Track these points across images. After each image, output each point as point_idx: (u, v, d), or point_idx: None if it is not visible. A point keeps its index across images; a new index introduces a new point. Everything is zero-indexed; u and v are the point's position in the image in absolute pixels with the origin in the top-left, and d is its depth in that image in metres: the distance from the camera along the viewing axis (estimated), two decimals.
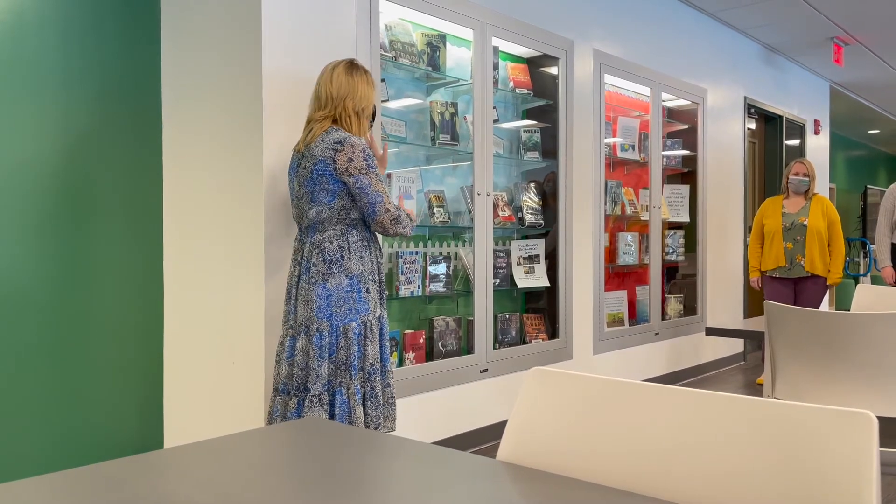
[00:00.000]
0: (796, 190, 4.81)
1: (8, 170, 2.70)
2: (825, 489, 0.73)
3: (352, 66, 2.46)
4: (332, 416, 2.31)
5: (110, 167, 3.00)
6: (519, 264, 4.08)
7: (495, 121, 3.97)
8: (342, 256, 2.36)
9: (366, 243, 2.42)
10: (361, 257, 2.39)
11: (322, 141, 2.35)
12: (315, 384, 2.29)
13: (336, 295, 2.33)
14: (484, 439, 3.74)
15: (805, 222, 4.74)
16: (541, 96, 4.27)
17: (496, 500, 0.78)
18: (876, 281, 10.75)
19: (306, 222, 2.41)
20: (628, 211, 4.99)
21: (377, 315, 2.43)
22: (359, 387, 2.34)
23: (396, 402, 2.47)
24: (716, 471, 0.81)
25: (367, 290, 2.39)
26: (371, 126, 2.54)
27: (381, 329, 2.44)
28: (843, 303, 9.37)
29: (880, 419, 1.99)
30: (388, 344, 2.48)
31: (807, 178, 4.78)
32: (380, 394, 2.38)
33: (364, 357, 2.37)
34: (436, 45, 3.64)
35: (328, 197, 2.35)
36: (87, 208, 2.93)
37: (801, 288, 4.83)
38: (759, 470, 0.77)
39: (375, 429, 2.34)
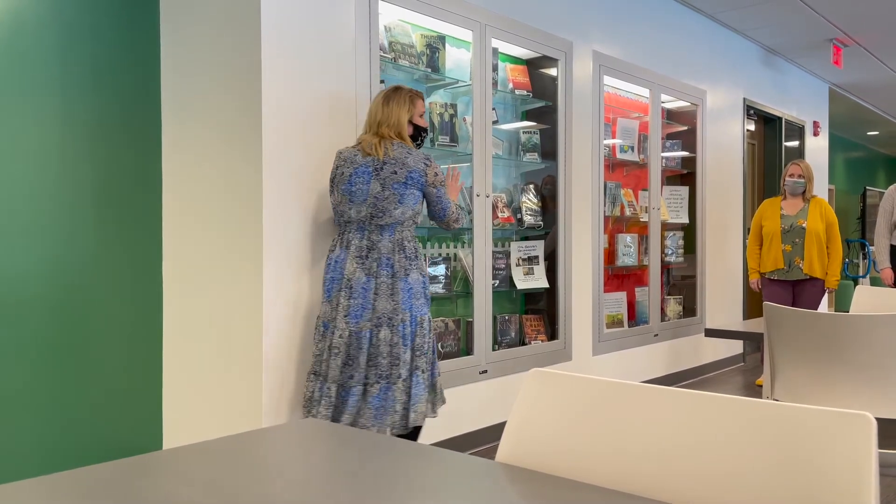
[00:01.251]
0: (792, 191, 4.81)
1: (7, 170, 2.70)
2: (824, 490, 0.73)
3: (388, 93, 2.77)
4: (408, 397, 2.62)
5: (109, 167, 3.00)
6: (518, 265, 4.08)
7: (495, 122, 3.97)
8: (417, 255, 2.71)
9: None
10: (423, 259, 2.78)
11: (409, 154, 2.68)
12: (402, 370, 2.58)
13: (415, 289, 2.65)
14: (483, 440, 3.74)
15: (804, 225, 4.74)
16: (540, 98, 4.27)
17: (495, 501, 0.78)
18: (875, 282, 10.76)
19: (385, 221, 2.64)
20: (627, 212, 5.00)
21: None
22: (429, 373, 2.68)
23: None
24: (714, 472, 0.81)
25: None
26: (420, 143, 2.86)
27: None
28: (842, 304, 9.37)
29: (879, 420, 1.99)
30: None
31: (802, 180, 4.78)
32: (437, 380, 2.73)
33: (433, 346, 2.72)
34: (435, 46, 3.64)
35: (413, 200, 2.69)
36: (86, 208, 2.93)
37: (799, 290, 4.83)
38: (758, 471, 0.77)
39: (433, 409, 2.68)
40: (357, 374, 2.56)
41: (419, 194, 2.71)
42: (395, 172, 2.65)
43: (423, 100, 2.87)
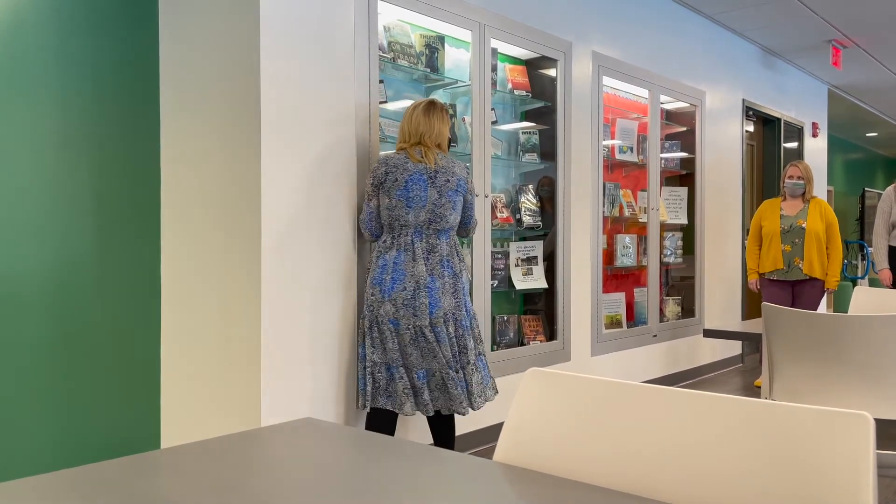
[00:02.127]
0: (792, 193, 4.81)
1: (6, 170, 2.70)
2: (822, 490, 0.73)
3: (429, 107, 2.95)
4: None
5: (108, 168, 3.00)
6: (517, 266, 4.08)
7: (494, 122, 3.97)
8: (464, 257, 3.00)
9: None
10: None
11: (454, 164, 2.94)
12: (471, 356, 2.91)
13: (467, 287, 2.98)
14: (482, 440, 3.74)
15: (804, 225, 4.74)
16: (539, 98, 4.27)
17: (492, 501, 0.78)
18: (874, 283, 10.77)
19: (443, 225, 2.90)
20: (626, 213, 5.00)
21: None
22: (483, 358, 3.00)
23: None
24: (712, 472, 0.81)
25: None
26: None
27: None
28: (840, 305, 9.38)
29: (878, 421, 1.99)
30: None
31: (801, 181, 4.78)
32: (487, 364, 3.06)
33: (481, 336, 3.03)
34: (434, 46, 3.64)
35: (461, 206, 2.98)
36: (85, 209, 2.92)
37: (798, 290, 4.83)
38: (757, 471, 0.77)
39: (487, 388, 2.98)
40: (436, 363, 2.84)
41: (460, 201, 2.97)
42: (448, 181, 2.90)
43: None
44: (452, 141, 3.09)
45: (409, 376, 2.87)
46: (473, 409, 2.90)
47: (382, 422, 2.89)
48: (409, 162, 2.86)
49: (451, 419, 2.97)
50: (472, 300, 3.01)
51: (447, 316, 2.86)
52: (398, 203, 2.84)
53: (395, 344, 2.85)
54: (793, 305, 4.87)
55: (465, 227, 3.07)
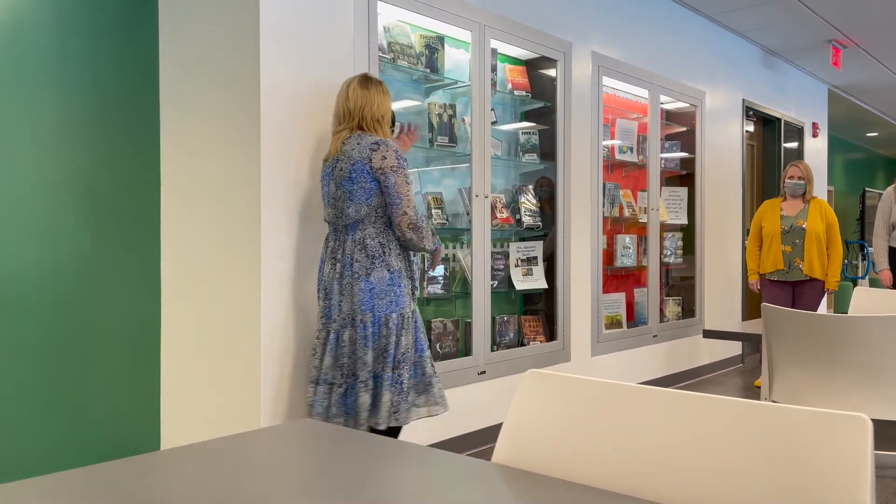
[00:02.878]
0: (792, 193, 4.81)
1: (5, 171, 2.70)
2: (821, 492, 0.73)
3: (365, 79, 2.65)
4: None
5: (108, 168, 3.00)
6: (517, 266, 4.08)
7: (493, 123, 3.97)
8: (383, 252, 2.53)
9: (400, 241, 2.61)
10: (399, 254, 2.58)
11: (358, 144, 2.53)
12: (363, 371, 2.48)
13: (378, 288, 2.50)
14: (482, 441, 3.74)
15: (804, 225, 4.74)
16: (539, 98, 4.27)
17: (491, 502, 0.78)
18: (874, 284, 10.76)
19: (345, 221, 2.55)
20: (626, 213, 5.00)
21: (412, 308, 2.61)
22: (391, 374, 2.51)
23: (432, 389, 2.65)
24: (710, 473, 0.81)
25: (404, 286, 2.58)
26: (393, 132, 2.72)
27: (415, 322, 2.62)
28: (840, 306, 9.38)
29: (878, 422, 1.99)
30: (423, 335, 2.64)
31: (802, 181, 4.78)
32: (405, 381, 2.53)
33: (398, 347, 2.53)
34: (434, 46, 3.64)
35: (365, 195, 2.51)
36: (85, 210, 2.93)
37: (799, 291, 4.83)
38: (754, 472, 0.78)
39: (394, 413, 2.50)
40: (328, 373, 2.54)
41: (372, 186, 2.51)
42: (342, 169, 2.54)
43: None
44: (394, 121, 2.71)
45: (309, 387, 2.60)
46: (380, 426, 2.49)
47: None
48: (329, 155, 2.64)
49: (391, 434, 2.59)
50: (398, 303, 2.52)
51: (345, 322, 2.52)
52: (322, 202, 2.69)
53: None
54: (793, 306, 4.87)
55: (392, 220, 2.53)
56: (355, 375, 2.51)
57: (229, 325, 2.89)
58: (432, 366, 2.66)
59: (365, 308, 2.49)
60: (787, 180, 4.83)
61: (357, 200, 2.52)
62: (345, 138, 2.58)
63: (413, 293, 2.65)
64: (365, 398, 2.48)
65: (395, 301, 2.53)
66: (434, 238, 2.64)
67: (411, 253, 2.66)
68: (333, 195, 2.58)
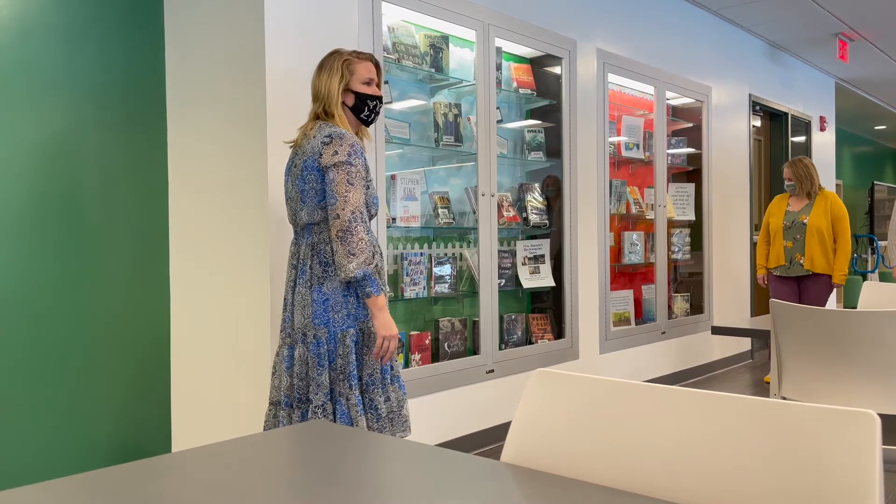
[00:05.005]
0: (789, 192, 4.85)
1: (15, 175, 2.72)
2: (829, 488, 0.73)
3: (321, 61, 2.32)
4: None
5: (116, 171, 3.02)
6: (524, 264, 4.08)
7: (499, 121, 3.97)
8: (330, 261, 2.21)
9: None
10: None
11: (315, 137, 2.22)
12: (317, 394, 2.16)
13: (333, 300, 2.18)
14: (491, 440, 3.74)
15: (805, 220, 4.73)
16: (544, 96, 4.27)
17: (500, 502, 0.78)
18: (884, 278, 10.71)
19: (299, 223, 2.26)
20: (633, 210, 4.99)
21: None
22: (359, 397, 2.19)
23: (406, 409, 2.34)
24: (718, 471, 0.81)
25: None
26: (368, 120, 2.35)
27: None
28: (850, 300, 9.33)
29: (886, 416, 1.99)
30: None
31: (791, 182, 4.79)
32: (381, 406, 2.22)
33: (362, 366, 2.23)
34: (438, 46, 3.64)
35: (317, 197, 2.19)
36: (94, 213, 2.94)
37: (804, 286, 4.82)
38: (763, 469, 0.78)
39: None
40: (288, 395, 2.23)
41: (324, 187, 2.19)
42: (296, 165, 2.25)
43: (372, 62, 2.33)
44: (371, 101, 2.32)
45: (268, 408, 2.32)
46: None
47: None
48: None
49: None
50: (356, 316, 2.21)
51: (296, 337, 2.22)
52: None
53: None
54: (800, 301, 4.85)
55: (330, 220, 2.14)
56: (309, 399, 2.18)
57: (239, 326, 2.91)
58: (399, 391, 2.31)
59: (318, 322, 2.17)
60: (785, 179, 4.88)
61: (309, 203, 2.20)
62: (308, 129, 2.26)
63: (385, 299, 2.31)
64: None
65: (353, 314, 2.20)
66: (368, 266, 2.13)
67: (377, 258, 2.26)
68: (289, 194, 2.28)
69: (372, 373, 2.23)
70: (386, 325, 2.17)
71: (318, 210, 2.20)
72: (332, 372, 2.19)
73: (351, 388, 2.17)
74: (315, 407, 2.15)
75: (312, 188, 2.20)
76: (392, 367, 2.31)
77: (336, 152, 2.15)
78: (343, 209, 2.12)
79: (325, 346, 2.17)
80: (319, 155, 2.18)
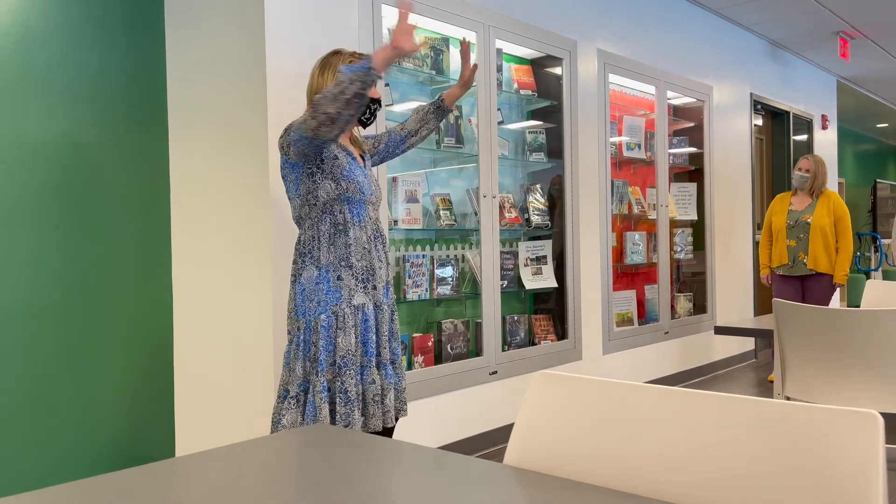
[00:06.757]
0: (798, 185, 4.79)
1: (17, 175, 2.72)
2: (832, 488, 0.73)
3: (322, 59, 2.30)
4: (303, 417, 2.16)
5: (118, 171, 3.02)
6: (526, 265, 4.08)
7: (500, 122, 3.97)
8: (313, 247, 2.19)
9: (340, 228, 2.20)
10: (333, 244, 2.19)
11: None
12: (292, 385, 2.14)
13: (308, 289, 2.17)
14: (494, 441, 3.74)
15: (808, 220, 4.72)
16: (545, 97, 4.27)
17: None
18: (887, 276, 10.69)
19: (292, 217, 2.30)
20: (635, 210, 4.98)
21: (356, 303, 2.19)
22: (325, 383, 2.12)
23: (388, 400, 2.26)
24: (720, 472, 0.81)
25: (339, 278, 2.17)
26: (367, 122, 2.33)
27: (363, 319, 2.20)
28: (853, 299, 9.32)
29: (889, 416, 1.98)
30: (372, 337, 2.22)
31: (808, 174, 4.75)
32: (351, 389, 2.13)
33: (335, 350, 2.15)
34: (439, 48, 3.64)
35: (294, 186, 2.21)
36: (96, 213, 2.95)
37: (807, 286, 4.81)
38: (766, 470, 0.78)
39: (346, 426, 2.10)
40: (281, 388, 2.24)
41: (295, 175, 2.19)
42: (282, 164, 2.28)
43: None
44: (371, 103, 2.30)
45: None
46: None
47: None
48: None
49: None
50: (327, 303, 2.16)
51: (287, 330, 2.26)
52: None
53: None
54: (803, 301, 4.84)
55: (295, 131, 2.12)
56: (287, 391, 2.17)
57: (242, 330, 2.91)
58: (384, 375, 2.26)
59: (298, 313, 2.18)
60: (795, 171, 4.82)
61: (291, 197, 2.24)
62: None
63: (366, 284, 2.22)
64: (293, 416, 2.12)
65: (323, 301, 2.15)
66: (338, 89, 1.98)
67: (357, 239, 2.21)
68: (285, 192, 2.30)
69: (345, 355, 2.15)
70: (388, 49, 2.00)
71: (297, 199, 2.22)
72: (307, 361, 2.16)
73: (317, 375, 2.13)
74: (290, 398, 2.14)
75: (289, 181, 2.22)
76: (380, 353, 2.25)
77: (287, 134, 2.17)
78: (295, 123, 2.11)
79: (303, 336, 2.16)
80: (280, 147, 2.20)
